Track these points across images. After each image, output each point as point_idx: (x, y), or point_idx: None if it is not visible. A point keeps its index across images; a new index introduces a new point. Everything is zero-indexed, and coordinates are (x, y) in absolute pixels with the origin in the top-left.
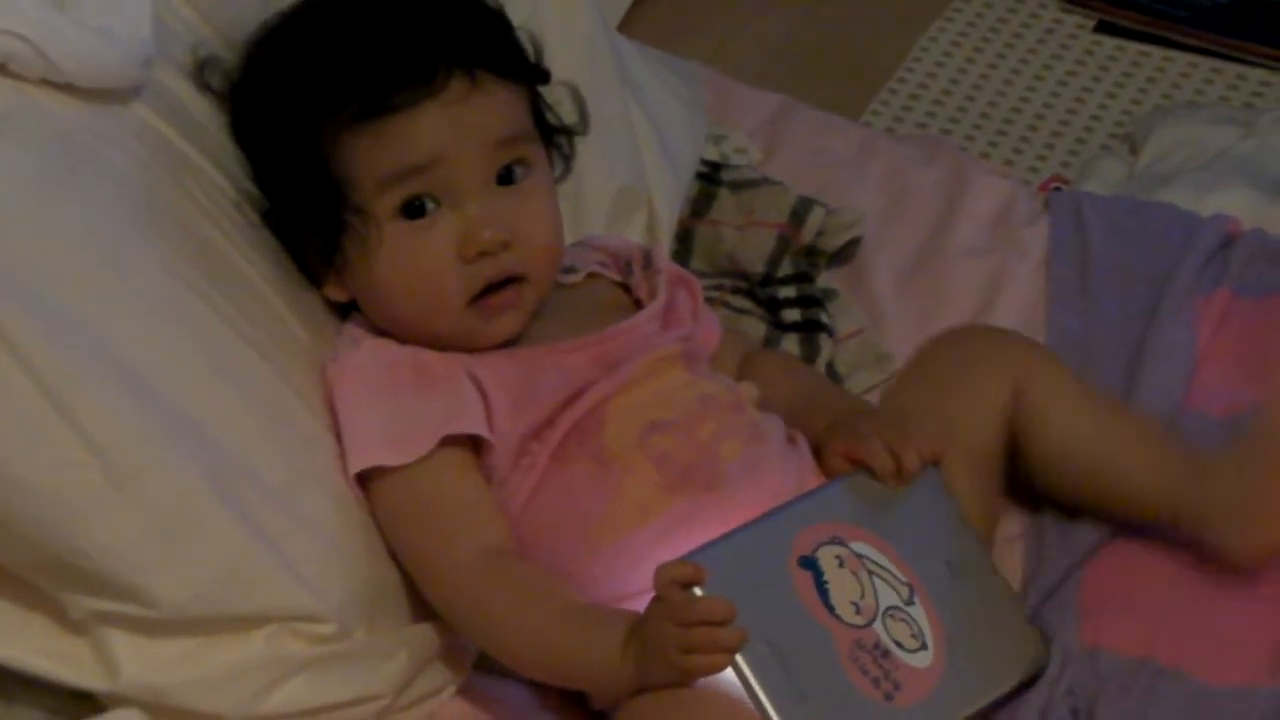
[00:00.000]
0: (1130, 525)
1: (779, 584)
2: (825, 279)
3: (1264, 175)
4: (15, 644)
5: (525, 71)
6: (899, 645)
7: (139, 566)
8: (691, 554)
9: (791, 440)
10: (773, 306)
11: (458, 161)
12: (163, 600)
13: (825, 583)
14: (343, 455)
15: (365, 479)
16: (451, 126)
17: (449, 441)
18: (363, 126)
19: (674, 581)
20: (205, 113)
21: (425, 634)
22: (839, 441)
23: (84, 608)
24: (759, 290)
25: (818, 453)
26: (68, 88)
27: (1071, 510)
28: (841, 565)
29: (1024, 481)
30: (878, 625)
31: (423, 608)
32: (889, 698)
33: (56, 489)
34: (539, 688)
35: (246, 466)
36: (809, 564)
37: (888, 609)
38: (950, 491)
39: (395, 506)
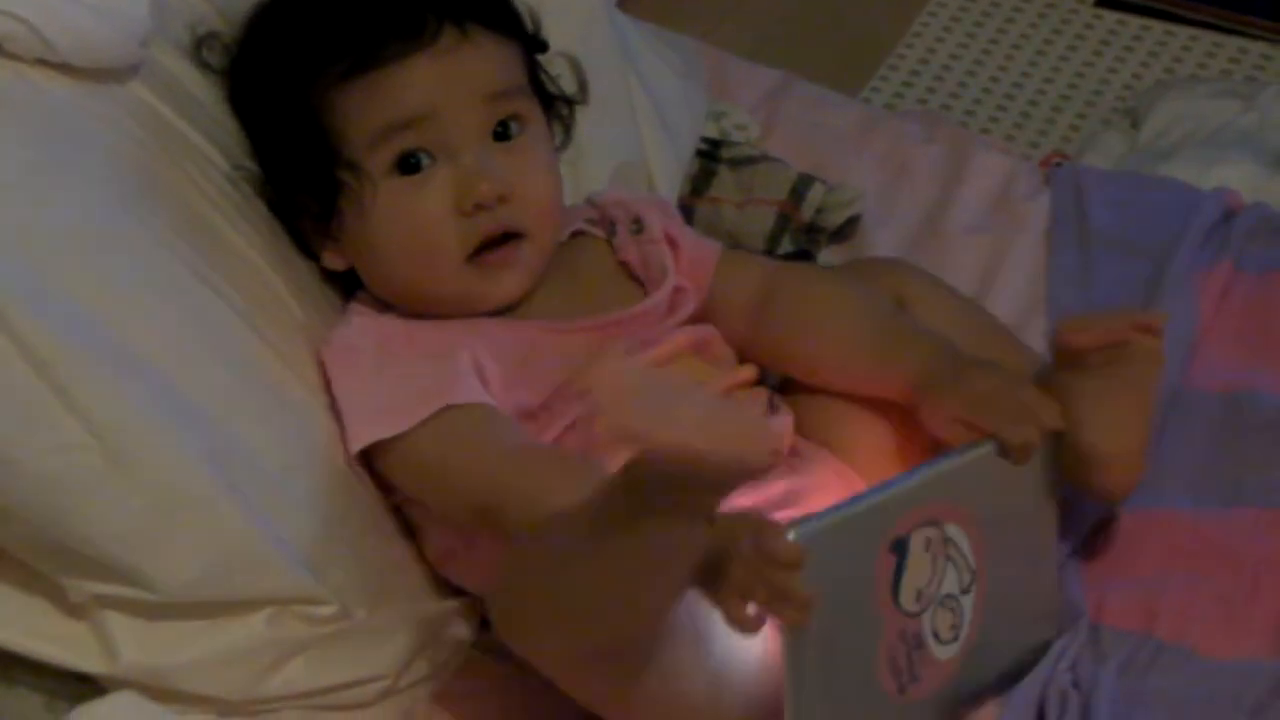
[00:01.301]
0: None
1: (862, 571)
2: (825, 256)
3: (1266, 149)
4: (15, 627)
5: (517, 29)
6: (936, 636)
7: (138, 549)
8: (804, 522)
9: (773, 408)
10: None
11: (450, 113)
12: (162, 583)
13: (904, 566)
14: (342, 434)
15: (370, 454)
16: (442, 78)
17: (450, 408)
18: (353, 82)
19: (775, 559)
20: (202, 91)
21: (426, 613)
22: (955, 403)
23: (84, 591)
24: None
25: (886, 405)
26: (64, 67)
27: None
28: (927, 549)
29: None
30: (927, 615)
31: (423, 587)
32: (902, 691)
33: (55, 471)
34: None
35: (245, 447)
36: (899, 548)
37: (945, 596)
38: (1055, 466)
39: (411, 462)
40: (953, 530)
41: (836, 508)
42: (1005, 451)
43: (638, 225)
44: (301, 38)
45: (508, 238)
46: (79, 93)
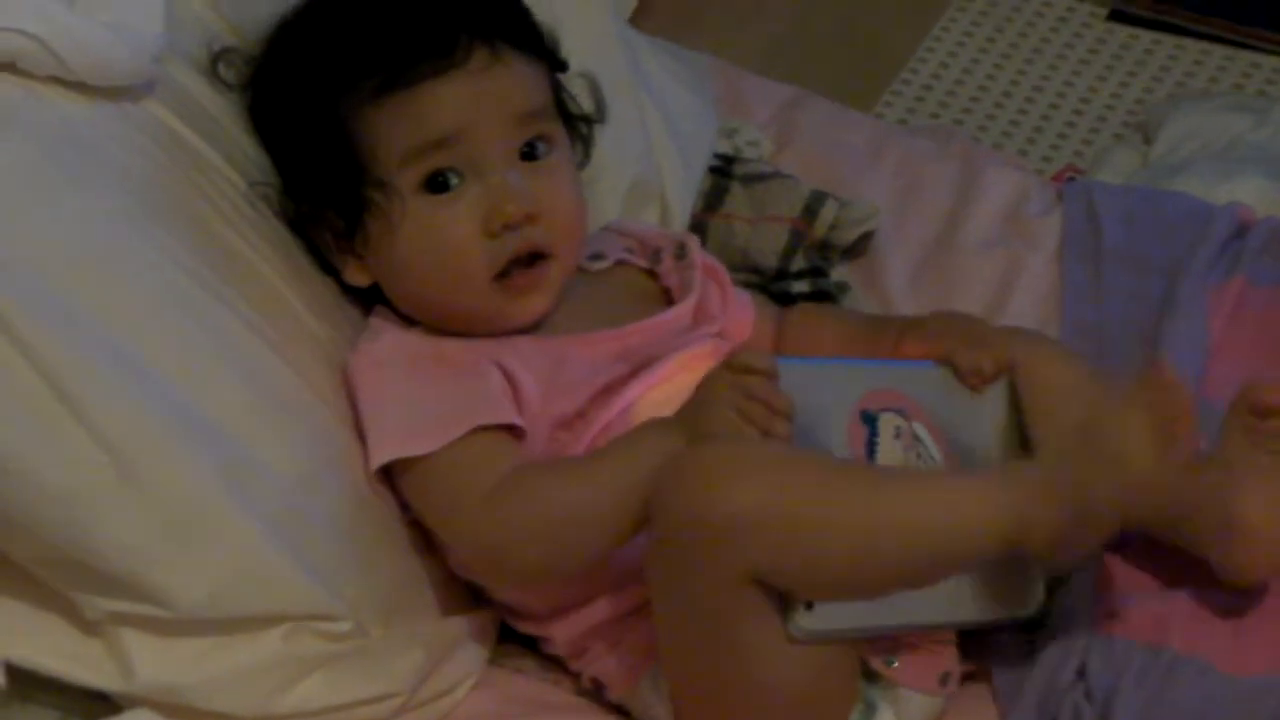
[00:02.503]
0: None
1: (835, 423)
2: (838, 273)
3: (1277, 163)
4: (31, 644)
5: (543, 50)
6: None
7: (153, 566)
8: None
9: None
10: (785, 301)
11: (481, 134)
12: (177, 600)
13: (876, 444)
14: (365, 448)
15: (391, 470)
16: (474, 99)
17: (477, 430)
18: (385, 100)
19: (753, 368)
20: (218, 107)
21: (442, 630)
22: (915, 342)
23: (99, 608)
24: (772, 285)
25: None
26: (77, 84)
27: None
28: (897, 436)
29: None
30: None
31: (439, 604)
32: None
33: (68, 487)
34: (554, 681)
35: (260, 463)
36: (869, 419)
37: None
38: (1014, 407)
39: (423, 486)
40: (920, 430)
41: (808, 359)
42: (960, 374)
43: (681, 250)
44: (332, 53)
45: (534, 258)
46: (93, 110)
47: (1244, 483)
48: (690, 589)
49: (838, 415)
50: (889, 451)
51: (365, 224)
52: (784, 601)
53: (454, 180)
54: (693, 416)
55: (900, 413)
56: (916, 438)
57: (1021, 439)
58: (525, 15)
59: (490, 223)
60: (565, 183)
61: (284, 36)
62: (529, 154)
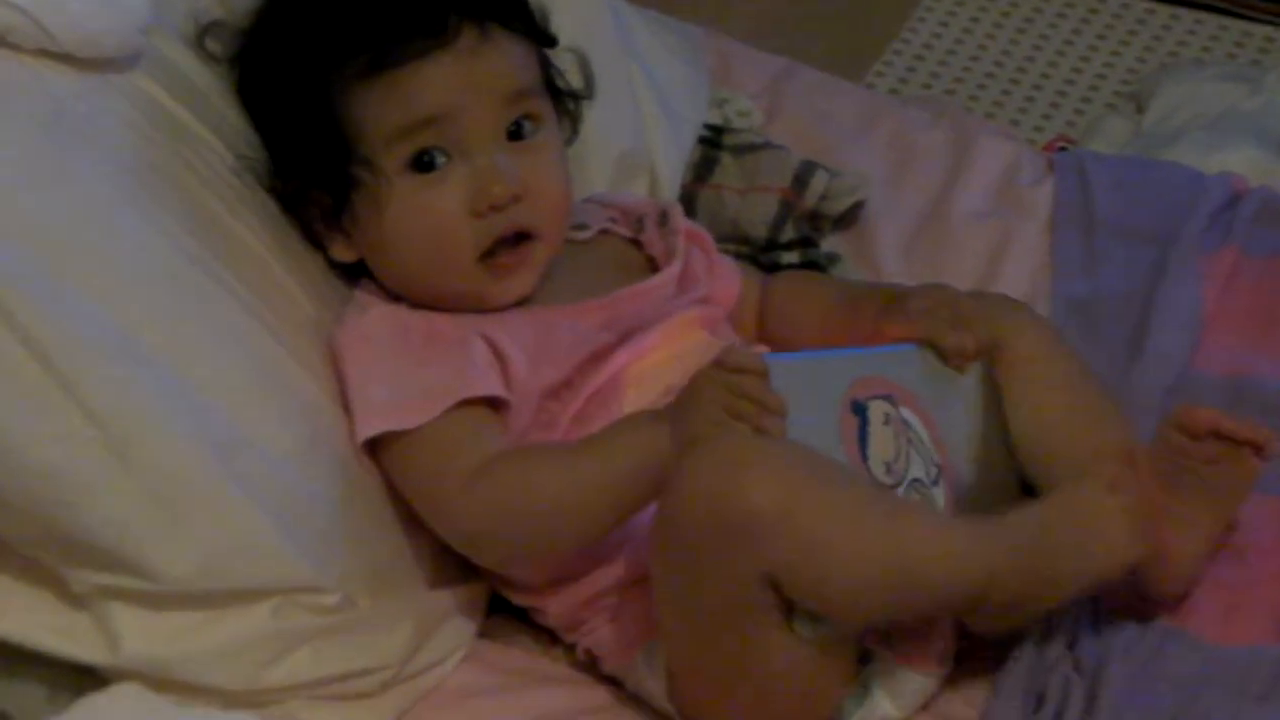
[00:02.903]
0: None
1: (828, 417)
2: (829, 243)
3: (1270, 133)
4: (17, 619)
5: (532, 27)
6: None
7: (140, 539)
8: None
9: None
10: (775, 271)
11: (468, 114)
12: (165, 573)
13: (868, 433)
14: (350, 422)
15: (376, 444)
16: (463, 79)
17: (463, 404)
18: (373, 78)
19: (744, 367)
20: (205, 80)
21: (431, 602)
22: (894, 324)
23: (86, 582)
24: (762, 256)
25: (867, 339)
26: (65, 57)
27: None
28: (887, 423)
29: None
30: (900, 492)
31: (428, 577)
32: None
33: (56, 461)
34: (546, 652)
35: (248, 436)
36: (859, 410)
37: (913, 480)
38: (994, 385)
39: (406, 462)
40: (908, 415)
41: (795, 354)
42: (943, 356)
43: (664, 218)
44: (320, 31)
45: (520, 238)
46: (81, 83)
47: (1166, 505)
48: (698, 581)
49: (829, 409)
50: (880, 439)
51: (352, 202)
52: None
53: (440, 160)
54: (683, 415)
55: (888, 399)
56: (905, 422)
57: (1001, 420)
58: None
59: (477, 203)
60: (552, 162)
61: (272, 12)
62: (516, 133)
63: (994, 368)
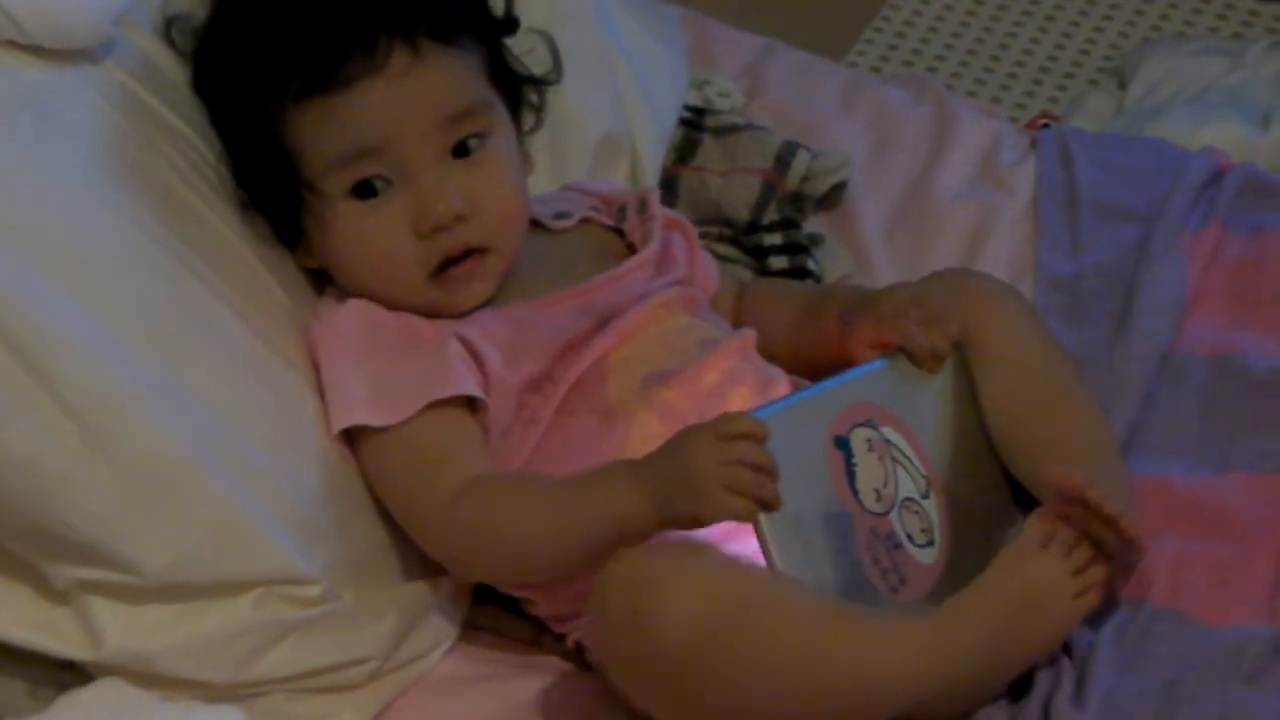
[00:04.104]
0: None
1: (813, 460)
2: (812, 224)
3: (1253, 107)
4: None
5: (478, 30)
6: (910, 539)
7: (120, 532)
8: (756, 410)
9: (795, 386)
10: (759, 254)
11: (406, 142)
12: (145, 566)
13: (854, 466)
14: (326, 413)
15: (351, 436)
16: (397, 107)
17: (438, 404)
18: (307, 103)
19: (744, 432)
20: (177, 72)
21: (415, 594)
22: (863, 329)
23: (67, 576)
24: (745, 238)
25: (834, 345)
26: (34, 48)
27: None
28: (870, 449)
29: None
30: (894, 516)
31: (412, 568)
32: (894, 590)
33: (34, 455)
34: (531, 644)
35: (228, 428)
36: (842, 444)
37: (905, 500)
38: (968, 374)
39: (382, 463)
40: (890, 434)
41: (773, 403)
42: (916, 360)
43: (643, 205)
44: (253, 52)
45: (469, 253)
46: (50, 73)
47: (1035, 555)
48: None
49: (815, 453)
50: (867, 468)
51: (302, 220)
52: None
53: (381, 186)
54: (677, 479)
55: (868, 424)
56: (888, 442)
57: (978, 408)
58: (447, 3)
59: (420, 225)
60: (500, 174)
61: (216, 26)
62: (461, 149)
63: (966, 354)
